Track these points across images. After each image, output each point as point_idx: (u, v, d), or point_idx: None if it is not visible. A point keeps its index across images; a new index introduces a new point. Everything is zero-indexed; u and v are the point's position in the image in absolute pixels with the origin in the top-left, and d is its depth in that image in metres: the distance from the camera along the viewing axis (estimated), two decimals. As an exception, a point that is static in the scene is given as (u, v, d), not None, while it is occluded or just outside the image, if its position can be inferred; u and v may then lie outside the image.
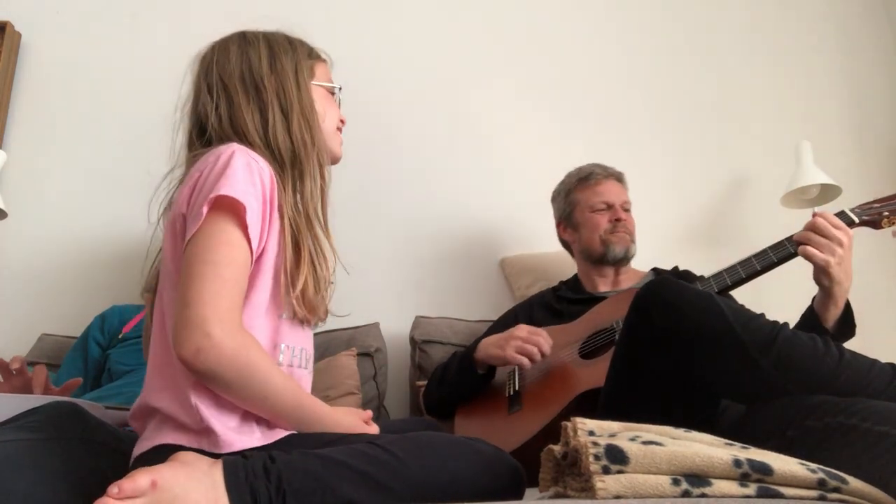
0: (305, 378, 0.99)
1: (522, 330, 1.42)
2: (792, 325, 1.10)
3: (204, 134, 1.03)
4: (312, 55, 1.13)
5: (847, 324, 1.23)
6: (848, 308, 1.23)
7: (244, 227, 0.86)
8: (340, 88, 1.16)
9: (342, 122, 1.18)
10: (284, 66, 1.05)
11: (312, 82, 1.09)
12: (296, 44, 1.11)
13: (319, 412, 0.91)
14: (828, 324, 1.21)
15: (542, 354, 1.38)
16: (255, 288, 0.91)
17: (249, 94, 1.02)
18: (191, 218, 0.88)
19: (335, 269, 1.05)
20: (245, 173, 0.89)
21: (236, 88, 1.02)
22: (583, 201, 1.70)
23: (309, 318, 0.97)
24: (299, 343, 0.97)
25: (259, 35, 1.09)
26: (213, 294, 0.81)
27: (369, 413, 1.02)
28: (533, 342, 1.38)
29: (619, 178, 1.73)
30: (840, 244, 1.17)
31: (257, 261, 0.91)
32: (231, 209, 0.86)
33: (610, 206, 1.67)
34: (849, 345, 1.13)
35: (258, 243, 0.90)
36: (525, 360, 1.37)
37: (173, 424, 0.85)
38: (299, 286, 0.92)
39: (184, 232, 0.89)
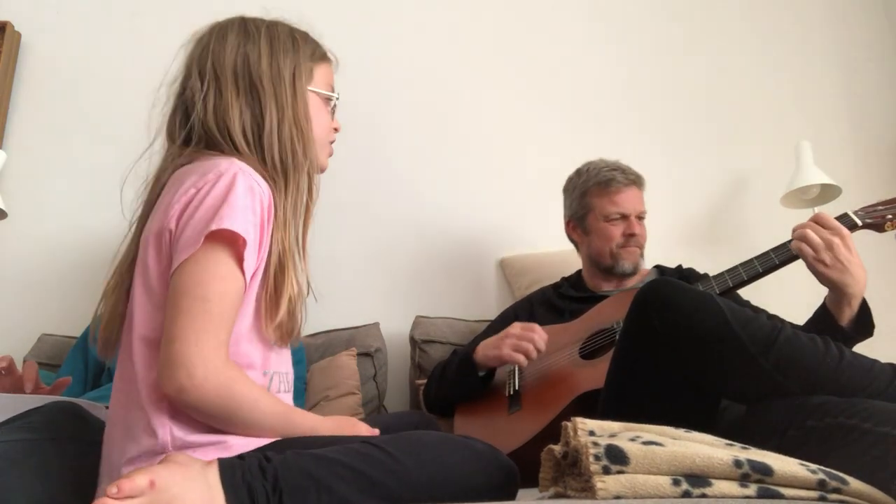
0: (289, 401, 0.98)
1: (516, 327, 1.41)
2: (795, 325, 1.09)
3: (187, 121, 0.97)
4: (315, 56, 1.06)
5: (863, 323, 1.21)
6: (864, 308, 1.21)
7: (240, 260, 0.84)
8: (339, 97, 1.09)
9: (336, 130, 1.10)
10: (282, 69, 0.98)
11: (310, 88, 1.03)
12: (299, 42, 1.03)
13: (314, 427, 0.90)
14: (843, 322, 1.20)
15: (538, 350, 1.37)
16: (241, 316, 0.87)
17: (240, 90, 0.96)
18: (183, 240, 0.83)
19: (307, 284, 1.00)
20: (247, 200, 0.85)
21: (227, 82, 0.96)
22: (598, 208, 1.65)
23: (287, 338, 0.94)
24: (283, 367, 0.96)
25: (262, 27, 1.01)
26: (199, 331, 0.79)
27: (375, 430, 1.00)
28: (527, 339, 1.37)
29: (639, 184, 1.68)
30: (829, 246, 1.16)
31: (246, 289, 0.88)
32: (229, 241, 0.83)
33: (625, 217, 1.64)
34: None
35: (252, 273, 0.86)
36: (521, 358, 1.37)
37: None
38: (282, 311, 0.89)
39: (170, 249, 0.85)
